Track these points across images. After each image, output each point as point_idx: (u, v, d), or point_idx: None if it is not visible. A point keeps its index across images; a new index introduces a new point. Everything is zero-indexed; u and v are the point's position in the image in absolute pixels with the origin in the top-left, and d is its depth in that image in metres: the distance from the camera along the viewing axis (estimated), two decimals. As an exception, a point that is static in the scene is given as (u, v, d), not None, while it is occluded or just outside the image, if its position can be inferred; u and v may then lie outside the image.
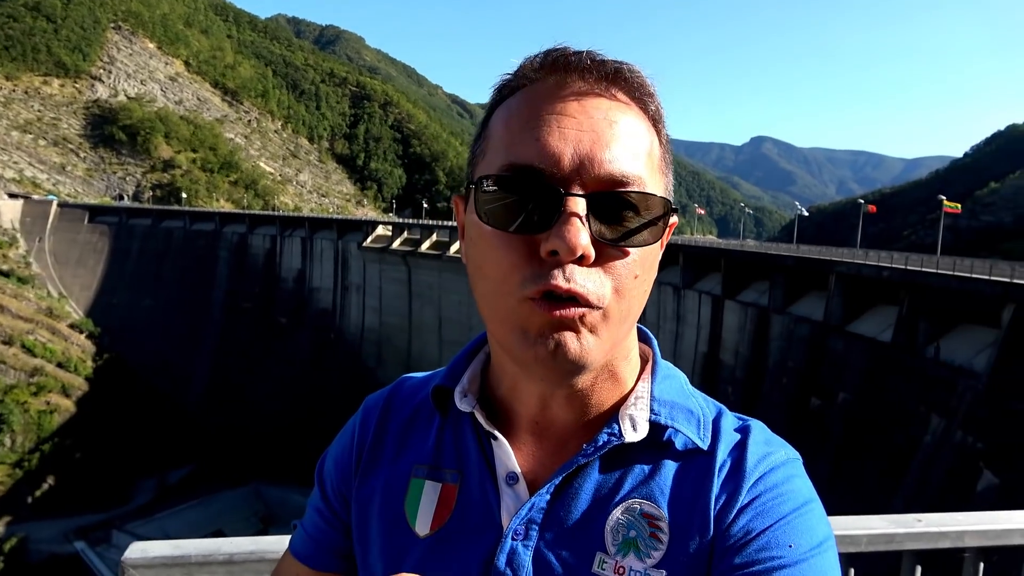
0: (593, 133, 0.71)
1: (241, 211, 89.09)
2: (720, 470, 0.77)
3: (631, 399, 0.82)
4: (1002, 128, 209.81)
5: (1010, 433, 18.81)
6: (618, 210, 0.71)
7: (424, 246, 65.39)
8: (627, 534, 0.75)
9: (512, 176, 0.71)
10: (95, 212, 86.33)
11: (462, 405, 0.85)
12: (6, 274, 73.10)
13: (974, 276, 22.69)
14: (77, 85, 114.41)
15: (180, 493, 60.94)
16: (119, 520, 54.92)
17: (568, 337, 0.70)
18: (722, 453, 0.79)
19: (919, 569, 1.42)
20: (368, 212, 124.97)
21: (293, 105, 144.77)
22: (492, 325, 0.77)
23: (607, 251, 0.71)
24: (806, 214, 65.74)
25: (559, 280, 0.68)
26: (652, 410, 0.81)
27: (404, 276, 66.54)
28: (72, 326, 74.49)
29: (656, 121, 0.78)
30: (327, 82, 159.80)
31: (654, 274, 0.79)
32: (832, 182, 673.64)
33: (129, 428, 66.63)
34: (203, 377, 75.82)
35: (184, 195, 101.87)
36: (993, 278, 21.89)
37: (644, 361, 0.88)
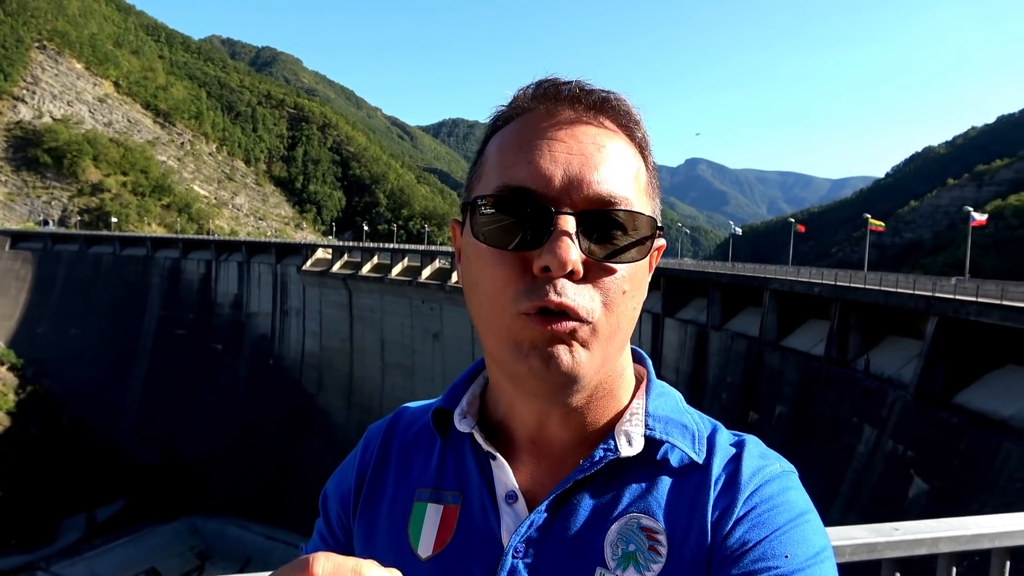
0: (582, 156, 0.75)
1: (174, 235, 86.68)
2: (716, 483, 0.79)
3: (626, 415, 0.84)
4: (919, 149, 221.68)
5: (937, 441, 19.60)
6: (607, 228, 0.74)
7: (365, 269, 64.76)
8: (626, 548, 0.76)
9: (506, 196, 0.74)
10: (17, 238, 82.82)
11: (461, 426, 0.87)
12: (-81, 304, 69.31)
13: (899, 291, 23.67)
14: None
15: (110, 530, 58.37)
16: (44, 561, 52.42)
17: (560, 350, 0.73)
18: (717, 467, 0.80)
19: (898, 576, 1.47)
20: (307, 235, 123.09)
21: (228, 127, 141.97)
22: (487, 341, 0.79)
23: (596, 267, 0.74)
24: (740, 233, 67.67)
25: (551, 295, 0.71)
26: (647, 425, 0.82)
27: (345, 299, 65.71)
28: (-8, 358, 70.93)
29: (642, 148, 0.82)
30: (264, 104, 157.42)
31: (644, 292, 0.81)
32: (763, 202, 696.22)
33: (54, 463, 63.60)
34: (134, 408, 72.94)
35: (114, 220, 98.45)
36: (916, 292, 22.87)
37: (639, 380, 0.90)
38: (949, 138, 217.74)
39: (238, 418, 69.01)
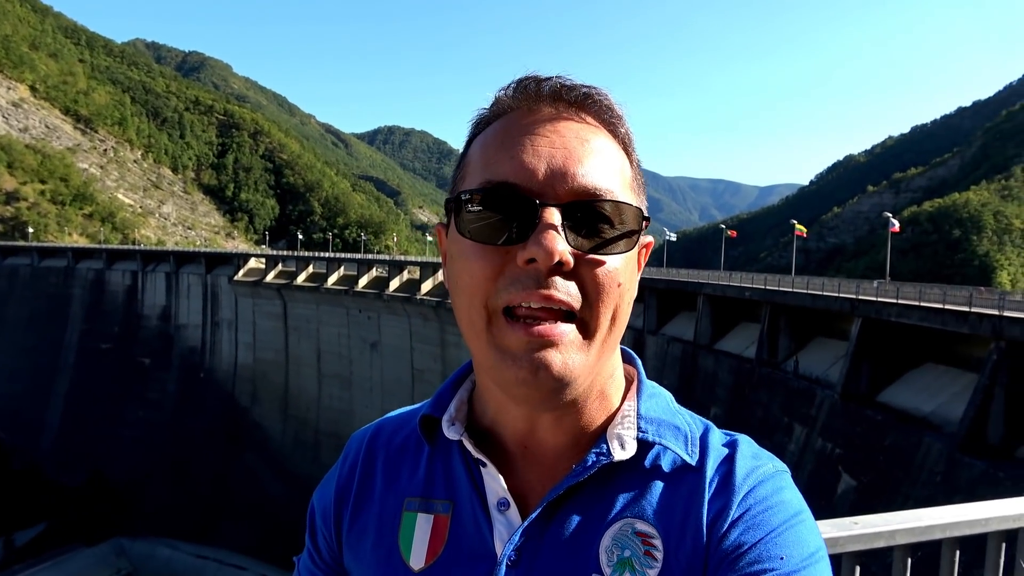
0: (565, 150, 0.74)
1: (98, 246, 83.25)
2: (710, 485, 0.78)
3: (618, 418, 0.82)
4: (841, 158, 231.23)
5: (863, 438, 20.39)
6: (593, 220, 0.73)
7: (300, 278, 63.58)
8: (622, 554, 0.76)
9: (490, 191, 0.73)
10: (-77, 250, 78.15)
11: (449, 433, 0.85)
12: None
13: (825, 294, 24.59)
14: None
15: (30, 555, 56.07)
16: (-42, 591, 49.65)
17: (550, 355, 0.71)
18: (711, 468, 0.79)
19: (858, 569, 1.49)
20: (239, 244, 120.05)
21: (154, 134, 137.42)
22: (472, 345, 0.77)
23: (586, 259, 0.72)
24: (674, 239, 69.10)
25: (538, 287, 0.70)
26: (639, 428, 0.81)
27: (279, 310, 64.36)
28: None
29: (626, 144, 0.82)
30: (192, 110, 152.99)
31: (636, 287, 0.80)
32: (695, 208, 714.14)
33: (-33, 488, 60.16)
34: (56, 426, 69.70)
35: (31, 230, 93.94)
36: (841, 295, 23.81)
37: (629, 381, 0.89)
38: (868, 147, 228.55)
39: (167, 434, 66.68)
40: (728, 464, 0.80)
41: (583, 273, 0.72)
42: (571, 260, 0.71)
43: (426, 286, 54.88)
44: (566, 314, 0.72)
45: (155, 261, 72.91)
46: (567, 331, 0.71)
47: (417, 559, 0.82)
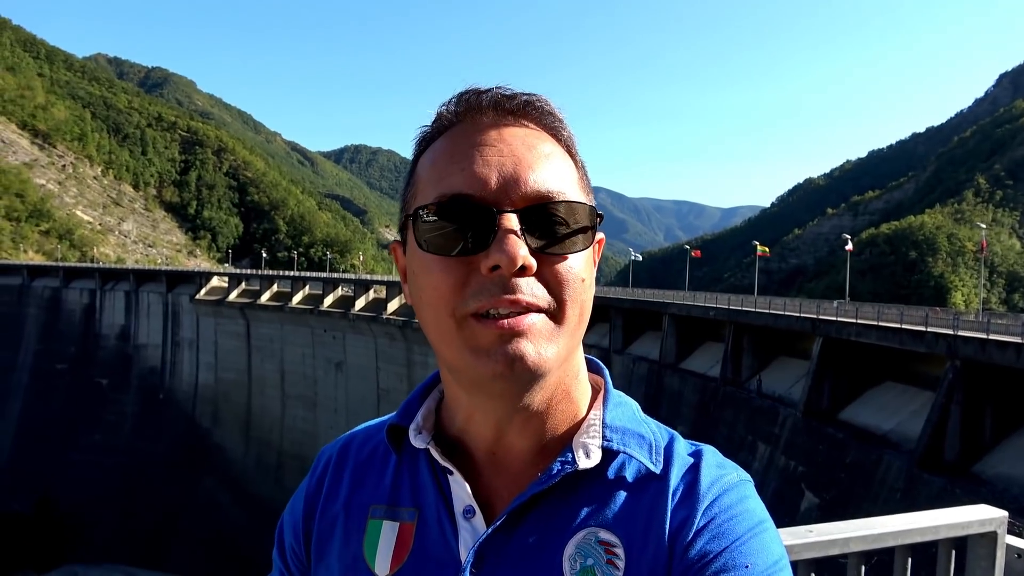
0: (514, 157, 0.76)
1: (54, 263, 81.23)
2: (674, 494, 0.79)
3: (583, 427, 0.83)
4: (801, 181, 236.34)
5: (825, 456, 20.69)
6: (550, 222, 0.74)
7: (264, 297, 62.81)
8: (584, 562, 0.76)
9: (446, 204, 0.74)
10: None
11: (416, 442, 0.86)
12: None
13: (787, 313, 25.00)
14: None
15: (-23, 585, 53.93)
16: None
17: (523, 346, 0.72)
18: (675, 477, 0.80)
19: (812, 576, 1.53)
20: (201, 263, 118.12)
21: (115, 150, 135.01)
22: (442, 351, 0.78)
23: (548, 260, 0.74)
24: (640, 259, 69.81)
25: (503, 294, 0.71)
26: (604, 436, 0.82)
27: (243, 329, 63.44)
28: None
29: (570, 147, 0.84)
30: (154, 126, 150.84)
31: (594, 282, 0.81)
32: (660, 229, 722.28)
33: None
34: (5, 450, 67.70)
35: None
36: (803, 315, 24.23)
37: (596, 391, 0.89)
38: (827, 170, 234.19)
39: (123, 458, 65.09)
40: (693, 473, 0.80)
41: (546, 273, 0.74)
42: (534, 263, 0.72)
43: (392, 305, 54.55)
44: (538, 310, 0.74)
45: (114, 279, 71.60)
46: (536, 320, 0.73)
47: (382, 566, 0.83)
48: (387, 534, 0.85)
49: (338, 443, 0.99)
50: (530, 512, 0.79)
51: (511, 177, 0.74)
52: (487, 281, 0.72)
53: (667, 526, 0.76)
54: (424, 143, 0.84)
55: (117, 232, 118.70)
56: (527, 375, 0.73)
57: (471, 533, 0.80)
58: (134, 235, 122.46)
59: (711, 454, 0.84)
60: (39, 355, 70.59)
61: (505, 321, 0.71)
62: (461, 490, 0.82)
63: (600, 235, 0.83)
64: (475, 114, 0.80)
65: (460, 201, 0.74)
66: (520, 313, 0.72)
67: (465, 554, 0.79)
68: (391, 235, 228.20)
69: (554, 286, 0.74)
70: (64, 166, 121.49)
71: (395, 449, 0.90)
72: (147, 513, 61.31)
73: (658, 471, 0.81)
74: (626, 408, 0.88)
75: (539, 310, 0.73)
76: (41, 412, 67.96)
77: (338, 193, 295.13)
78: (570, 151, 0.83)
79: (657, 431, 0.87)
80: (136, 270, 73.09)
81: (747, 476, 0.83)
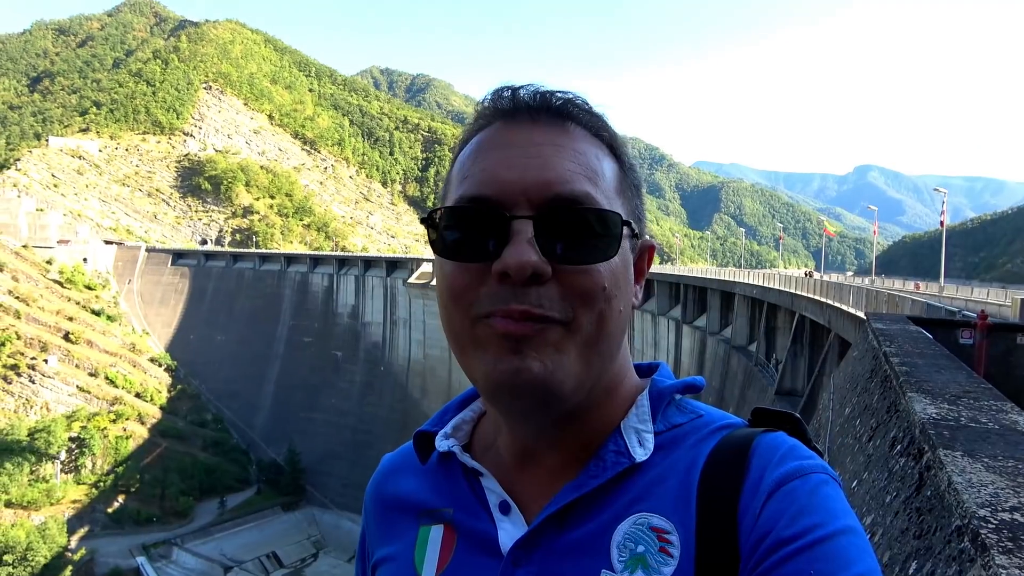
0: (540, 159, 0.72)
1: (303, 252, 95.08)
2: (742, 482, 0.71)
3: (632, 411, 0.79)
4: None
5: None
6: (569, 228, 0.70)
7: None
8: (635, 549, 0.71)
9: (461, 207, 0.72)
10: (178, 255, 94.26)
11: (441, 446, 0.85)
12: (97, 312, 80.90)
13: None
14: (171, 141, 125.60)
15: (239, 515, 64.79)
16: (180, 538, 59.08)
17: (531, 358, 0.68)
18: (743, 465, 0.72)
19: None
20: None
21: (367, 151, 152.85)
22: (461, 356, 0.74)
23: (564, 269, 0.70)
24: (906, 241, 63.91)
25: (512, 302, 0.68)
26: (657, 421, 0.79)
27: (445, 310, 69.38)
28: (152, 360, 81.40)
29: (612, 147, 0.79)
30: (400, 128, 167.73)
31: (629, 294, 0.77)
32: (946, 209, 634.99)
33: (195, 453, 71.95)
34: (267, 407, 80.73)
35: (259, 238, 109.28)
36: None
37: (643, 387, 0.84)
38: None
39: (352, 419, 74.60)
40: (765, 462, 0.71)
41: (563, 281, 0.70)
42: (547, 271, 0.68)
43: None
44: (549, 321, 0.69)
45: (347, 265, 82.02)
46: (547, 330, 0.69)
47: (429, 570, 0.81)
48: (433, 539, 0.83)
49: (374, 479, 0.98)
50: (577, 501, 0.75)
51: (532, 180, 0.71)
52: (498, 288, 0.69)
53: (732, 514, 0.69)
54: (463, 144, 0.80)
55: (365, 224, 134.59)
56: (536, 391, 0.69)
57: (510, 527, 0.77)
58: (379, 227, 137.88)
59: (779, 440, 0.74)
60: (291, 329, 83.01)
61: (512, 326, 0.68)
62: (494, 487, 0.80)
63: (649, 241, 0.81)
64: (509, 113, 0.76)
65: (476, 204, 0.71)
66: (530, 321, 0.68)
67: (506, 547, 0.76)
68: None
69: (570, 295, 0.70)
70: (325, 168, 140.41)
71: (420, 456, 0.88)
72: (370, 469, 69.64)
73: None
74: (676, 391, 0.82)
75: (553, 321, 0.69)
76: (291, 377, 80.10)
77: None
78: (613, 150, 0.79)
79: (714, 415, 0.80)
80: (364, 257, 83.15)
81: (822, 465, 0.72)
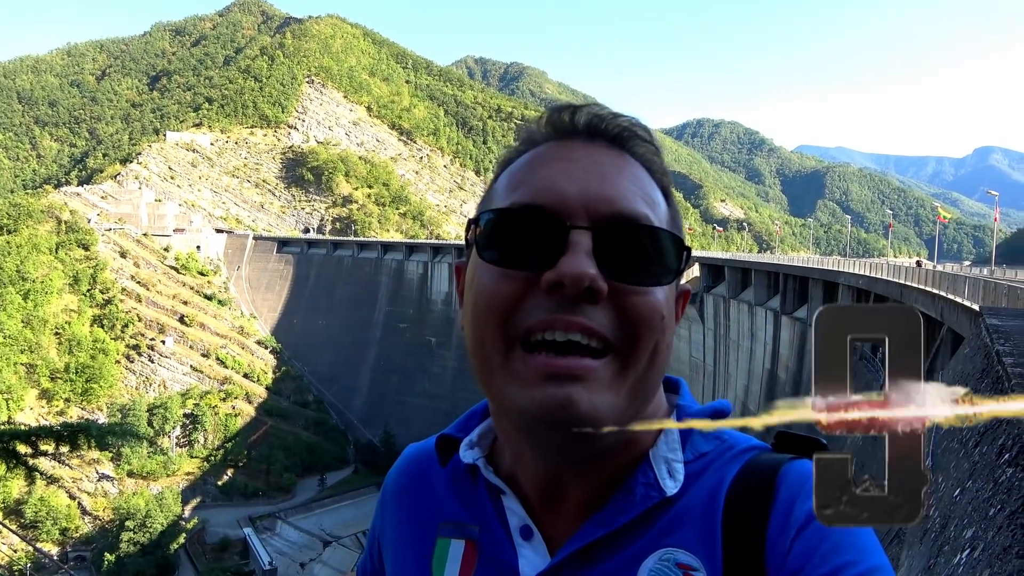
0: (600, 175, 0.69)
1: (399, 240, 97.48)
2: (769, 516, 0.68)
3: (661, 440, 0.76)
4: None
5: None
6: (630, 246, 0.67)
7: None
8: None
9: (515, 211, 0.69)
10: (282, 244, 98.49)
11: (466, 457, 0.82)
12: (209, 297, 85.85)
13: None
14: (276, 134, 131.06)
15: (338, 492, 67.44)
16: (283, 512, 62.24)
17: (576, 391, 0.63)
18: (771, 497, 0.69)
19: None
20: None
21: (462, 141, 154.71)
22: (486, 380, 0.70)
23: (621, 288, 0.66)
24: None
25: (563, 313, 0.64)
26: (687, 451, 0.75)
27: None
28: (258, 342, 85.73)
29: (662, 181, 0.76)
30: (494, 117, 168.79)
31: (675, 324, 0.74)
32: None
33: (298, 432, 75.40)
34: (364, 390, 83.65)
35: (358, 227, 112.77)
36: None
37: (671, 409, 0.82)
38: None
39: (445, 404, 76.10)
40: (793, 493, 0.68)
41: (619, 303, 0.65)
42: (604, 287, 0.64)
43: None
44: (595, 351, 0.64)
45: (441, 253, 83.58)
46: (595, 366, 0.64)
47: None
48: (454, 553, 0.80)
49: (396, 469, 0.96)
50: (599, 530, 0.72)
51: (593, 192, 0.68)
52: (547, 299, 0.64)
53: (763, 551, 0.66)
54: (508, 163, 0.77)
55: (459, 213, 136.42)
56: (574, 424, 0.63)
57: (531, 553, 0.75)
58: (472, 215, 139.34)
59: (807, 469, 0.70)
60: (388, 315, 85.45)
61: (560, 360, 0.63)
62: (516, 509, 0.77)
63: (687, 287, 0.78)
64: (565, 135, 0.74)
65: (531, 211, 0.68)
66: (579, 353, 0.63)
67: (529, 574, 0.74)
68: (726, 210, 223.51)
69: (627, 318, 0.65)
70: (421, 158, 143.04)
71: (441, 461, 0.86)
72: (457, 453, 71.28)
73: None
74: (706, 420, 0.70)
75: (603, 341, 0.64)
76: (387, 362, 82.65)
77: (675, 169, 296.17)
78: (662, 185, 0.76)
79: (742, 444, 0.76)
80: (457, 245, 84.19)
81: None
